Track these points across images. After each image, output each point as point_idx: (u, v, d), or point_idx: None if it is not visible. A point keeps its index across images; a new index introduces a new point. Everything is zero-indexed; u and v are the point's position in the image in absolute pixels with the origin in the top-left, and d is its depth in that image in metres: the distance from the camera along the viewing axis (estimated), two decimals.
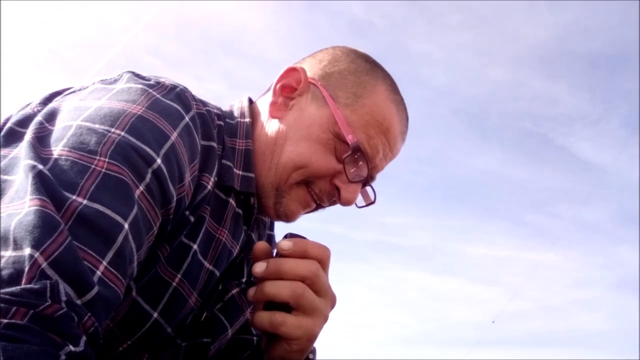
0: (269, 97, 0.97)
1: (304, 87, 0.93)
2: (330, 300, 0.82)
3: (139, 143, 0.67)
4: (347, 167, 0.90)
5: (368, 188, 0.99)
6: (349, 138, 0.88)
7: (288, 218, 0.94)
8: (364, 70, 0.95)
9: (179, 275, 0.83)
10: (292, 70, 0.95)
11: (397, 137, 0.96)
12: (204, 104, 0.87)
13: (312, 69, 0.96)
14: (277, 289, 0.76)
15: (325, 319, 0.81)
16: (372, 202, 1.00)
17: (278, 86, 0.95)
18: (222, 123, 0.90)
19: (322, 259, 0.79)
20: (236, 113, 0.96)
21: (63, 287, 0.51)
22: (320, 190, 0.92)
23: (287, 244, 0.78)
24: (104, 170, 0.62)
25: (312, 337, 0.79)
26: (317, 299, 0.78)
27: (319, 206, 0.96)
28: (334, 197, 0.94)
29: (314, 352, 0.94)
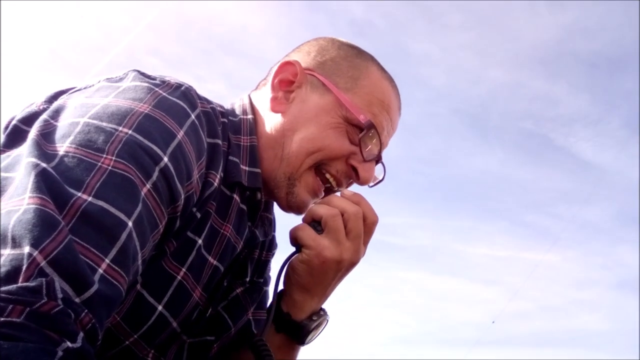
0: (266, 93, 0.97)
1: (301, 79, 0.95)
2: (354, 249, 0.90)
3: (146, 141, 0.67)
4: (363, 147, 0.93)
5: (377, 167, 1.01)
6: (361, 118, 0.92)
7: (300, 209, 0.96)
8: (353, 54, 0.98)
9: (183, 269, 0.83)
10: (287, 64, 0.96)
11: (396, 112, 1.00)
12: (208, 101, 0.87)
13: (304, 61, 0.97)
14: (317, 208, 0.91)
15: (340, 256, 0.89)
16: (381, 180, 1.03)
17: (276, 81, 0.96)
18: (225, 120, 0.90)
19: (369, 218, 0.91)
20: (238, 110, 0.97)
21: (59, 284, 0.51)
22: (337, 172, 0.95)
23: (349, 192, 0.93)
24: (110, 168, 0.62)
25: (320, 255, 0.88)
26: (343, 232, 0.89)
27: (328, 190, 0.98)
28: (350, 177, 0.97)
29: (320, 315, 0.97)
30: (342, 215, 0.89)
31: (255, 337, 0.87)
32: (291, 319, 0.94)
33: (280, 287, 0.96)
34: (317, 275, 0.90)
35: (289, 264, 0.92)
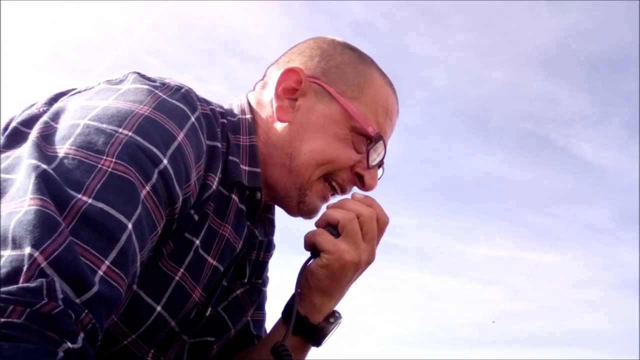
0: (266, 96, 0.97)
1: (305, 87, 0.94)
2: (370, 249, 0.92)
3: (146, 143, 0.68)
4: (370, 156, 0.94)
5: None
6: (370, 130, 0.93)
7: (310, 215, 0.97)
8: (356, 59, 0.98)
9: (181, 270, 0.84)
10: (290, 72, 0.95)
11: (396, 116, 1.01)
12: (208, 103, 0.87)
13: (307, 67, 0.97)
14: (333, 213, 0.91)
15: (358, 258, 0.90)
16: (379, 177, 1.04)
17: (280, 89, 0.95)
18: (225, 121, 0.90)
19: (381, 219, 0.93)
20: (236, 110, 0.97)
21: (60, 285, 0.51)
22: (344, 181, 0.96)
23: (360, 195, 0.95)
24: (110, 169, 0.62)
25: (341, 259, 0.89)
26: (360, 235, 0.90)
27: (333, 195, 0.99)
28: (355, 184, 0.98)
29: (335, 317, 0.98)
30: (358, 217, 0.90)
31: (278, 344, 0.87)
32: (309, 322, 0.95)
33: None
34: (337, 279, 0.92)
35: (307, 269, 0.93)
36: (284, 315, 0.99)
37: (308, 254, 0.94)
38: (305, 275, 0.93)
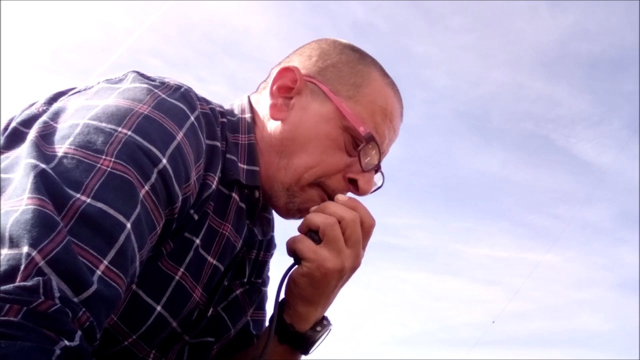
0: (266, 96, 0.97)
1: (301, 86, 0.94)
2: (355, 255, 0.88)
3: (145, 143, 0.67)
4: (362, 158, 0.91)
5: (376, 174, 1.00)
6: (361, 130, 0.90)
7: (300, 216, 0.94)
8: (355, 59, 0.97)
9: (181, 269, 0.83)
10: (286, 70, 0.95)
11: (398, 119, 0.98)
12: (207, 102, 0.87)
13: (304, 67, 0.96)
14: (313, 217, 0.88)
15: (341, 265, 0.87)
16: (380, 187, 1.02)
17: (274, 88, 0.95)
18: (225, 120, 0.90)
19: (366, 222, 0.89)
20: (237, 110, 0.96)
21: (57, 283, 0.51)
22: (336, 187, 0.93)
23: (343, 197, 0.90)
24: (109, 169, 0.62)
25: (322, 267, 0.86)
26: (342, 241, 0.87)
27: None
28: (348, 190, 0.95)
29: (323, 324, 0.96)
30: (340, 222, 0.87)
31: (256, 359, 0.86)
32: (295, 331, 0.93)
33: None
34: (320, 287, 0.89)
35: (290, 276, 0.91)
36: (270, 323, 0.96)
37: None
38: (288, 283, 0.91)
